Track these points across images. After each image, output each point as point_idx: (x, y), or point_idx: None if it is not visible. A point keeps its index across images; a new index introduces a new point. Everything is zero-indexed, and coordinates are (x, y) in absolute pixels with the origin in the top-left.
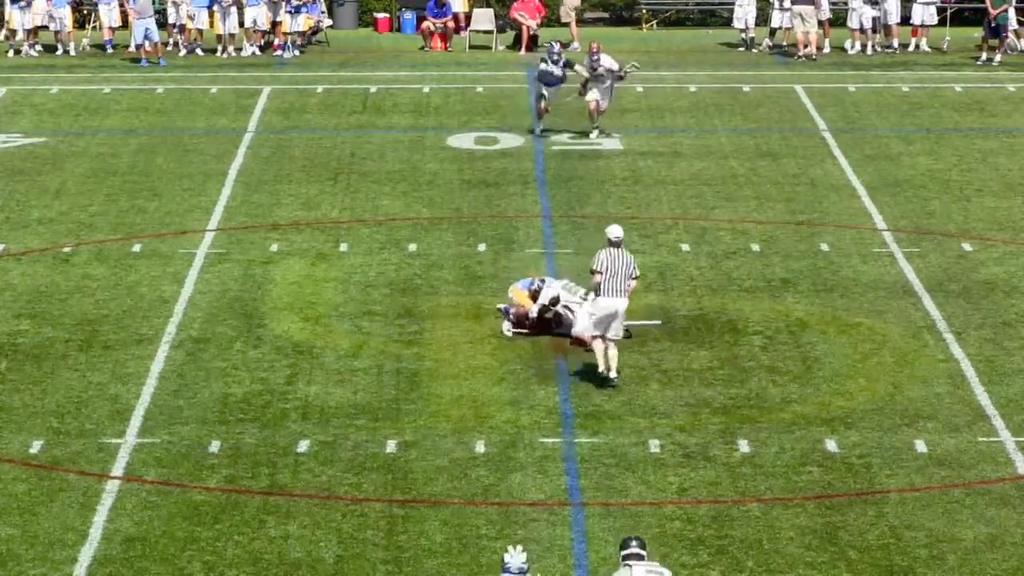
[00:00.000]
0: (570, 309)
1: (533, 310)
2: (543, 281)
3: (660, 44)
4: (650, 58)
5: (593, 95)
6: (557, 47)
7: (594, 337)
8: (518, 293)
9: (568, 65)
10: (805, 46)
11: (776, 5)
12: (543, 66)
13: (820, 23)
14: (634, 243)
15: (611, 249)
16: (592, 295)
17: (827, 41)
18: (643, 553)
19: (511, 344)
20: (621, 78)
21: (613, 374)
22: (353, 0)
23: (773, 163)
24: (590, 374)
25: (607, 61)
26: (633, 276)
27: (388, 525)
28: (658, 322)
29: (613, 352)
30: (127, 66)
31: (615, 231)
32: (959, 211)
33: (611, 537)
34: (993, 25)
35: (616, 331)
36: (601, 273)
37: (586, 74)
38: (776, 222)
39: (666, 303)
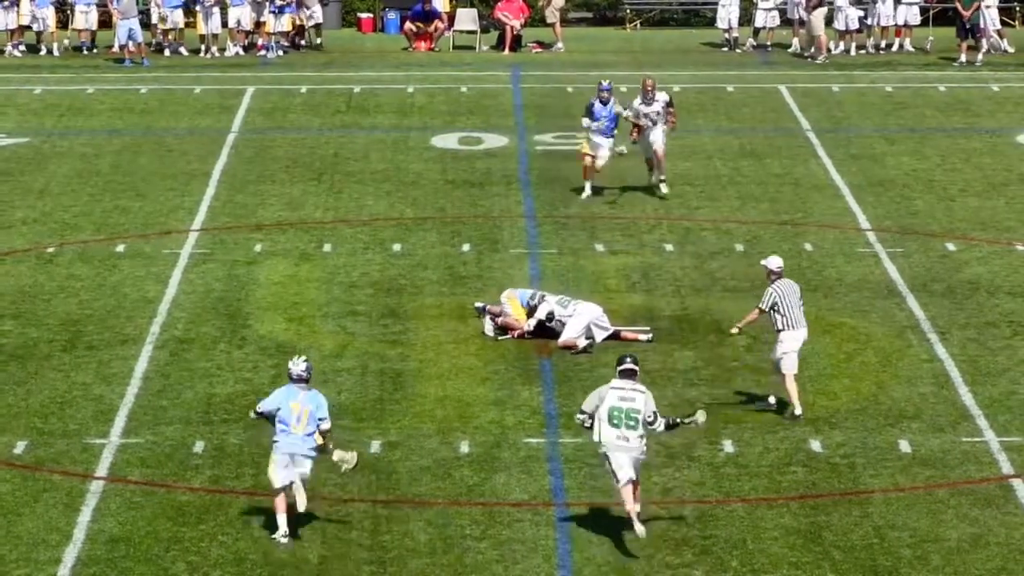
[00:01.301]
0: (562, 323)
1: (530, 324)
2: (543, 297)
3: (644, 44)
4: (633, 58)
5: (652, 140)
6: (607, 83)
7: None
8: (515, 305)
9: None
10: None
11: (759, 5)
12: (596, 107)
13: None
14: (618, 243)
15: (778, 282)
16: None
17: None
18: (635, 369)
19: (495, 344)
20: (670, 106)
21: (797, 410)
22: (337, 0)
23: (757, 163)
24: (573, 374)
25: (662, 98)
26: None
27: (372, 525)
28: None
29: (795, 385)
30: (110, 66)
31: (776, 262)
32: (943, 211)
33: (595, 537)
34: (968, 26)
35: (796, 365)
36: (765, 310)
37: (636, 119)
38: (760, 222)
39: (650, 303)
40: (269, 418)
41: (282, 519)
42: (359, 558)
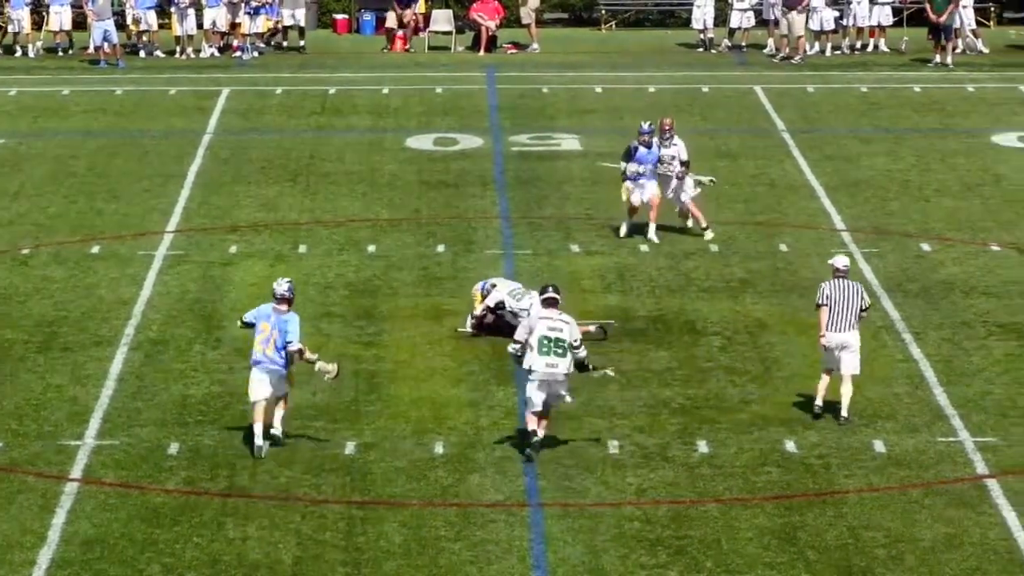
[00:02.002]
0: (515, 315)
1: (477, 310)
2: (494, 285)
3: (619, 45)
4: (609, 59)
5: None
6: (648, 125)
7: (828, 371)
8: (476, 297)
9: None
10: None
11: (734, 5)
12: (640, 152)
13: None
14: (593, 244)
15: (836, 280)
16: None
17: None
18: (557, 298)
19: (470, 345)
20: (680, 179)
21: (844, 412)
22: (313, 1)
23: (732, 163)
24: None
25: (681, 145)
26: (864, 307)
27: (347, 526)
28: (612, 323)
29: (847, 389)
30: (86, 68)
31: (840, 261)
32: (918, 211)
33: (570, 538)
34: (940, 28)
35: (854, 366)
36: (827, 307)
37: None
38: (735, 222)
39: (625, 304)
40: (251, 329)
41: (258, 428)
42: (333, 559)
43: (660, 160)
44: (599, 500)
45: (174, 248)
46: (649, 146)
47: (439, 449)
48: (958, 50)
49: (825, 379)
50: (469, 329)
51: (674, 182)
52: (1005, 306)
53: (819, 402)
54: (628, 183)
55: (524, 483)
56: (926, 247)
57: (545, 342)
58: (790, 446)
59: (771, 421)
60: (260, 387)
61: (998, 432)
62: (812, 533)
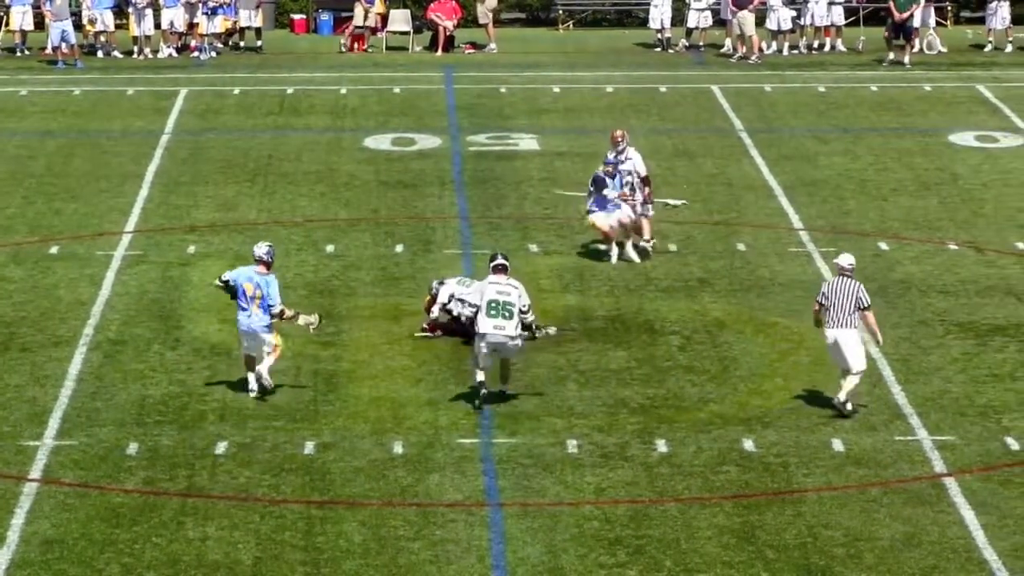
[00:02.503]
0: (463, 302)
1: (434, 311)
2: (441, 283)
3: (577, 45)
4: (567, 58)
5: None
6: (613, 156)
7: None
8: (426, 299)
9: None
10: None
11: (691, 5)
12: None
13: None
14: (552, 244)
15: (838, 278)
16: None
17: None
18: (507, 265)
19: (429, 345)
20: (645, 204)
21: (848, 406)
22: (270, 1)
23: (690, 163)
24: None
25: (636, 158)
26: (861, 307)
27: (306, 526)
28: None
29: (848, 383)
30: (44, 68)
31: (845, 259)
32: (875, 210)
33: (529, 537)
34: (900, 27)
35: (853, 363)
36: (824, 306)
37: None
38: (693, 222)
39: (584, 303)
40: (230, 291)
41: (250, 376)
42: (293, 559)
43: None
44: (558, 500)
45: (133, 248)
46: (615, 175)
47: (398, 449)
48: (915, 49)
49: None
50: (425, 329)
51: (638, 208)
52: (962, 305)
53: (841, 398)
54: (593, 215)
55: (483, 483)
56: (884, 246)
57: (493, 305)
58: (748, 445)
59: (730, 420)
60: (246, 344)
61: (956, 431)
62: (771, 532)
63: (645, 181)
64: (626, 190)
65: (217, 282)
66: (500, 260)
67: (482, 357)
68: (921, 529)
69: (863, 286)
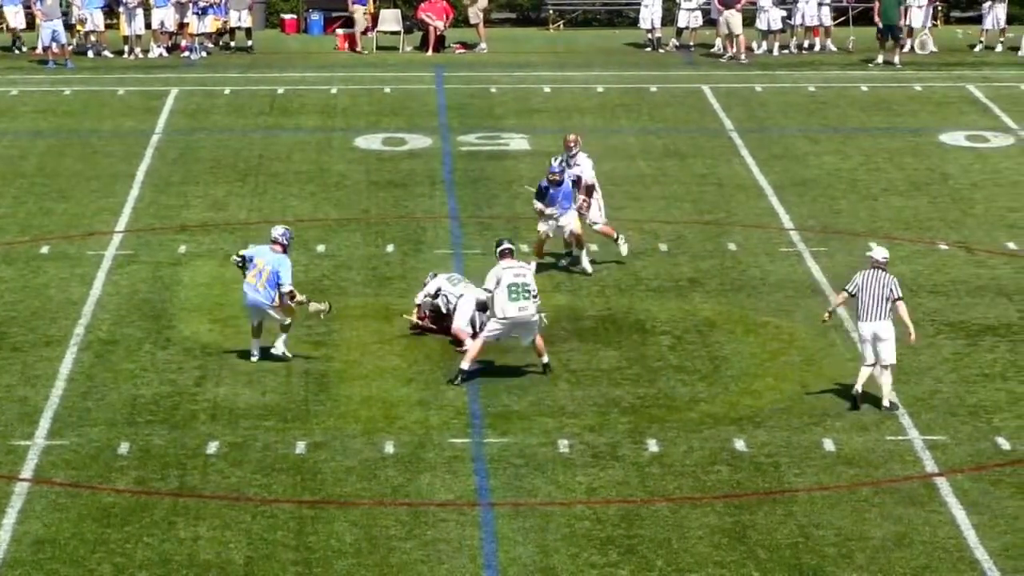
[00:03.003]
0: (448, 299)
1: (419, 296)
2: (433, 275)
3: (567, 44)
4: (557, 58)
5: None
6: (558, 165)
7: (867, 365)
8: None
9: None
10: (731, 48)
11: (682, 5)
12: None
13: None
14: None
15: (871, 271)
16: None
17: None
18: (513, 248)
19: (420, 345)
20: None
21: (885, 402)
22: (261, 1)
23: (680, 163)
24: (497, 373)
25: (585, 165)
26: (894, 298)
27: (298, 526)
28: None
29: (886, 379)
30: (34, 68)
31: (879, 253)
32: (866, 210)
33: (520, 537)
34: (887, 27)
35: (889, 356)
36: (854, 295)
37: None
38: (684, 222)
39: (574, 303)
40: (243, 267)
41: (253, 344)
42: (285, 559)
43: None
44: (549, 499)
45: (123, 248)
46: (560, 183)
47: (389, 448)
48: (905, 48)
49: (865, 369)
50: (416, 326)
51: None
52: (953, 305)
53: (857, 388)
54: (542, 224)
55: (475, 482)
56: (874, 246)
57: (514, 288)
58: (740, 445)
59: (721, 420)
60: (252, 317)
61: (947, 430)
62: (762, 532)
63: (588, 190)
64: (581, 199)
65: (235, 258)
66: (507, 244)
67: (498, 334)
68: (912, 529)
69: (895, 278)
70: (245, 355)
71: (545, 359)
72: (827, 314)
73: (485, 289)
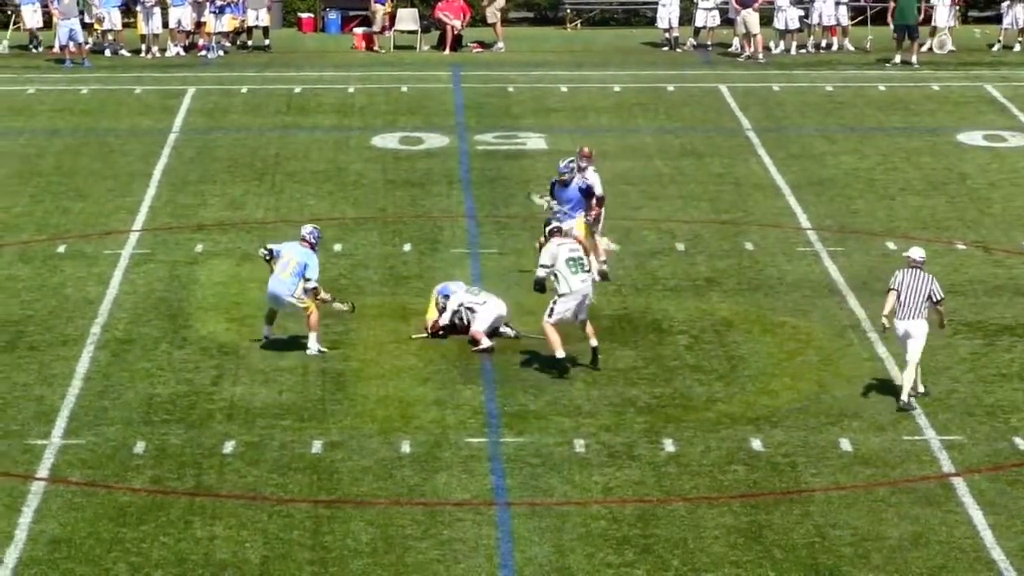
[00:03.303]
0: (472, 310)
1: (444, 318)
2: (447, 297)
3: (584, 44)
4: (574, 58)
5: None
6: (564, 164)
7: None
8: (430, 304)
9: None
10: (748, 48)
11: (699, 4)
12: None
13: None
14: None
15: (910, 269)
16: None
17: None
18: (560, 227)
19: (436, 344)
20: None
21: (904, 396)
22: (278, 0)
23: (697, 162)
24: (513, 373)
25: (594, 179)
26: (935, 300)
27: (314, 525)
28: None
29: (908, 375)
30: (51, 67)
31: (917, 252)
32: (883, 210)
33: (537, 537)
34: (906, 27)
35: (915, 355)
36: (896, 292)
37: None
38: (701, 221)
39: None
40: (269, 260)
41: (265, 328)
42: (301, 558)
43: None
44: (566, 499)
45: (140, 247)
46: (567, 184)
47: (406, 448)
48: (924, 47)
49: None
50: (425, 334)
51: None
52: (971, 304)
53: (904, 396)
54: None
55: (491, 482)
56: (892, 246)
57: (571, 263)
58: (756, 444)
59: (737, 420)
60: (271, 305)
61: (964, 430)
62: (779, 532)
63: (599, 201)
64: (594, 211)
65: (262, 251)
66: (554, 224)
67: (568, 313)
68: (929, 529)
69: (936, 279)
70: (262, 354)
71: (594, 342)
72: (884, 319)
73: (542, 266)
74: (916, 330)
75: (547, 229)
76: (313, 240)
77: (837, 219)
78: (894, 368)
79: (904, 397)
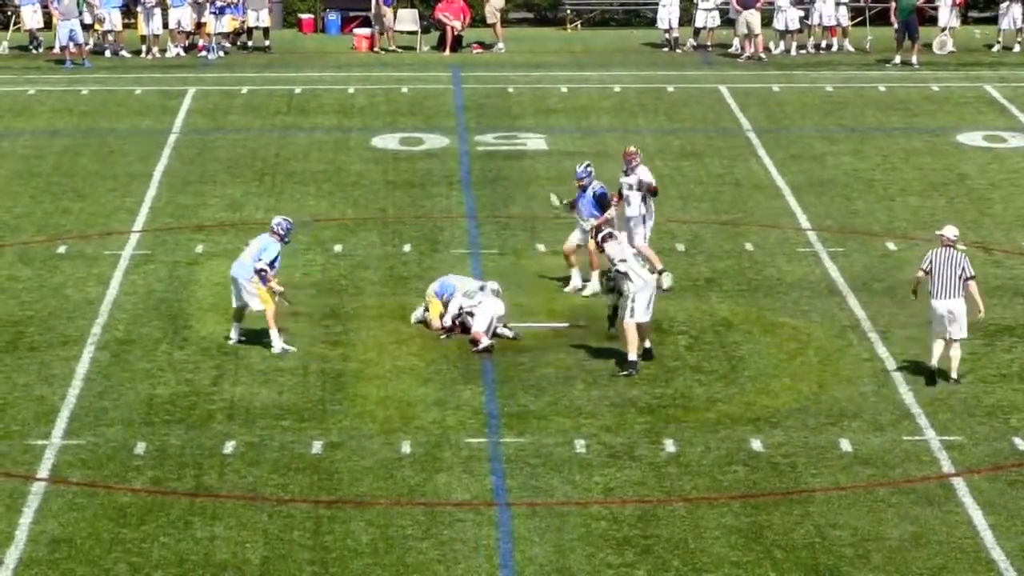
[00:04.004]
0: (471, 314)
1: (446, 321)
2: (445, 295)
3: (584, 44)
4: (574, 58)
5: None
6: (581, 169)
7: (939, 337)
8: (433, 305)
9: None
10: (748, 48)
11: (699, 5)
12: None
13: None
14: (559, 243)
15: (942, 249)
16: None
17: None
18: (616, 233)
19: (436, 345)
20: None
21: (953, 374)
22: (278, 1)
23: (698, 163)
24: (514, 374)
25: (645, 175)
26: (966, 277)
27: (314, 526)
28: (565, 324)
29: (955, 352)
30: (52, 67)
31: (950, 231)
32: (883, 210)
33: (537, 537)
34: (909, 26)
35: (961, 332)
36: (927, 272)
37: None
38: (701, 221)
39: (591, 303)
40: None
41: (232, 327)
42: (301, 559)
43: (619, 189)
44: (566, 499)
45: (140, 248)
46: (584, 189)
47: (406, 448)
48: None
49: (939, 343)
50: (442, 330)
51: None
52: (971, 305)
53: (933, 362)
54: (576, 233)
55: (491, 482)
56: (891, 246)
57: (637, 257)
58: (757, 445)
59: (738, 420)
60: (235, 297)
61: (964, 431)
62: (779, 532)
63: (653, 191)
64: (596, 211)
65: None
66: (607, 229)
67: (648, 311)
68: (929, 529)
69: (967, 256)
70: (262, 354)
71: (647, 343)
72: (913, 293)
73: (621, 260)
74: (957, 309)
75: (599, 236)
76: (281, 232)
77: (837, 219)
78: (894, 368)
79: (954, 375)
